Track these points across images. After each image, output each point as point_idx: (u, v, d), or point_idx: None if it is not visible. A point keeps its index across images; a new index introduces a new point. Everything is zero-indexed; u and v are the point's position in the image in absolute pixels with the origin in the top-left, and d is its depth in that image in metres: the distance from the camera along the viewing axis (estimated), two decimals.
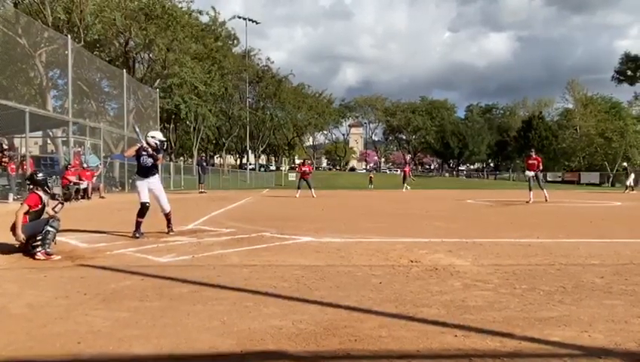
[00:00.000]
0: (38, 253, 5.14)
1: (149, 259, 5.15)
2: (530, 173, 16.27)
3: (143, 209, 6.81)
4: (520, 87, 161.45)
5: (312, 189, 19.89)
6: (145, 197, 6.85)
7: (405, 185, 31.78)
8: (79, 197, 16.10)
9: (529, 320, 2.99)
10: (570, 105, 77.93)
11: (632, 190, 26.49)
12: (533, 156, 16.40)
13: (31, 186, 5.76)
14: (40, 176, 5.77)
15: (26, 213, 5.38)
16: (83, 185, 16.77)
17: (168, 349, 2.50)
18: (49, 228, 5.25)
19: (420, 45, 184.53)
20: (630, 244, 6.29)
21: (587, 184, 57.16)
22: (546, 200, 16.09)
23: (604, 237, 7.11)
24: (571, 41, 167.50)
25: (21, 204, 5.58)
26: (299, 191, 20.07)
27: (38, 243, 5.21)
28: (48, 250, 5.19)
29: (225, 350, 2.50)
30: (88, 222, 8.16)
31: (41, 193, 5.60)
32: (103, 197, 17.41)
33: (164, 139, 7.41)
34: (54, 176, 18.52)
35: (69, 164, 17.60)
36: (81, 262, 4.92)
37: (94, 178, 18.11)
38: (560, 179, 64.19)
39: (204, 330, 2.79)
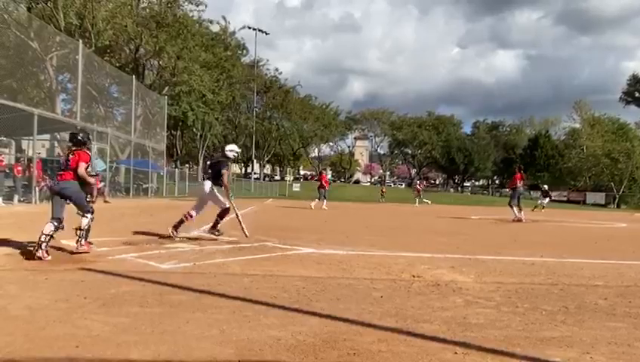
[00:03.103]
0: (80, 246, 5.45)
1: (150, 265, 5.14)
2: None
3: (227, 211, 7.63)
4: (527, 105, 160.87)
5: (325, 201, 20.17)
6: (227, 203, 7.59)
7: (421, 199, 33.08)
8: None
9: (530, 339, 2.95)
10: (577, 125, 77.79)
11: (543, 208, 25.86)
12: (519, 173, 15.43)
13: (74, 148, 5.69)
14: (80, 136, 5.80)
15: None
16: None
17: (166, 356, 2.49)
18: (89, 221, 5.57)
19: (428, 60, 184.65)
20: (634, 266, 6.23)
21: (593, 204, 56.85)
22: (513, 221, 14.87)
23: (609, 258, 7.05)
24: (579, 61, 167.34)
25: (78, 162, 5.50)
26: (325, 201, 20.20)
27: (81, 234, 5.49)
28: (85, 241, 5.52)
29: (223, 359, 2.48)
30: (92, 227, 8.17)
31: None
32: (107, 202, 17.47)
33: (239, 150, 8.33)
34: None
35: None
36: (83, 266, 4.91)
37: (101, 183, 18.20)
38: (565, 199, 63.89)
39: (202, 338, 2.77)
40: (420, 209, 27.17)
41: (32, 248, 5.36)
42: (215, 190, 7.52)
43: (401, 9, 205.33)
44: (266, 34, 59.70)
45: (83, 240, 5.54)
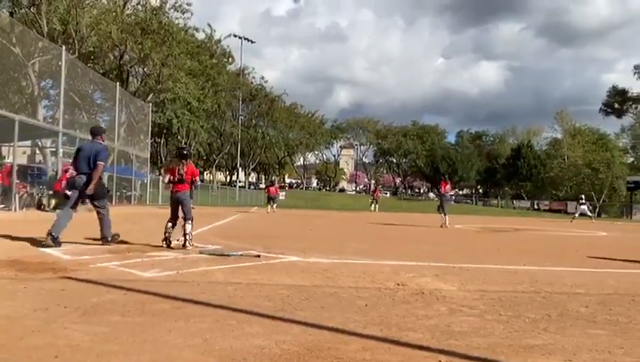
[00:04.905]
0: (189, 246, 7.10)
1: (132, 273, 5.07)
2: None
3: None
4: (510, 116, 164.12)
5: (274, 206, 26.26)
6: None
7: (375, 205, 35.32)
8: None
9: (514, 347, 2.97)
10: (559, 135, 79.28)
11: (592, 220, 27.28)
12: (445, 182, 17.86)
13: (183, 161, 7.25)
14: (186, 150, 7.47)
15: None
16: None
17: None
18: (191, 227, 7.26)
19: (413, 70, 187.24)
20: (615, 274, 6.32)
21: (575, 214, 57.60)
22: (442, 226, 16.31)
23: (590, 266, 7.15)
24: (561, 73, 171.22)
25: (193, 175, 7.37)
26: (274, 206, 26.32)
27: (188, 237, 7.16)
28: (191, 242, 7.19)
29: None
30: (73, 234, 8.04)
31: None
32: (90, 210, 17.19)
33: None
34: (41, 186, 18.33)
35: (59, 175, 17.42)
36: (63, 274, 4.82)
37: None
38: (547, 208, 64.74)
39: (185, 348, 2.73)
40: (397, 216, 27.44)
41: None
42: None
43: (387, 20, 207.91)
44: (252, 42, 59.78)
45: (189, 242, 7.14)
